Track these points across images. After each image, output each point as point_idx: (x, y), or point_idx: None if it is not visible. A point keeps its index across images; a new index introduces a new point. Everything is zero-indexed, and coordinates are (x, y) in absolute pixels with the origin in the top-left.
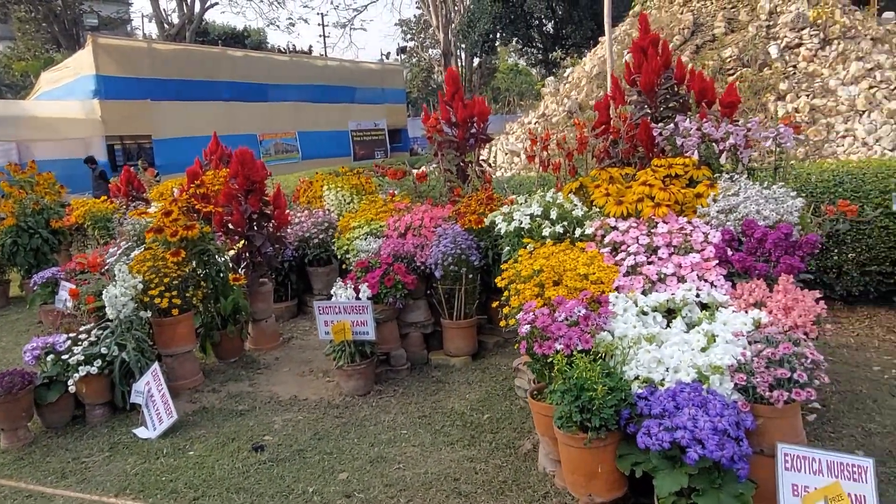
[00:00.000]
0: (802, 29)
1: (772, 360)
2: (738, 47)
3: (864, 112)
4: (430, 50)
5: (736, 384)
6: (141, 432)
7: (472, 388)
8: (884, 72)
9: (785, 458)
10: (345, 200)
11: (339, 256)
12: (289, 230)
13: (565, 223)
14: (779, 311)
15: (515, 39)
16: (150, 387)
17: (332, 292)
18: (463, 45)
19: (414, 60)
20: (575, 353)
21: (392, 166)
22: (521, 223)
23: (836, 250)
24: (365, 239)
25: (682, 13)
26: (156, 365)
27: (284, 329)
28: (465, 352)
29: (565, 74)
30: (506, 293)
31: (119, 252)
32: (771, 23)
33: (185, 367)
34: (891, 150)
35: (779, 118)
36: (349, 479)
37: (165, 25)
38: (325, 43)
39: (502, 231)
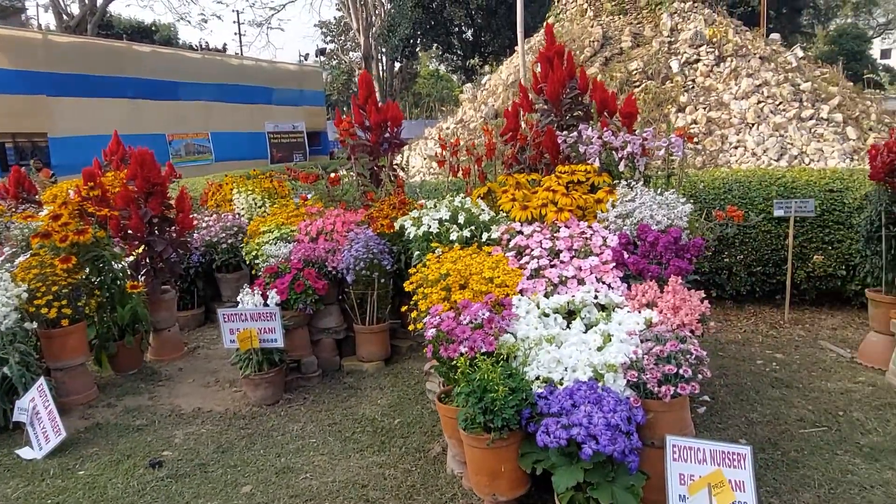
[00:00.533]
0: (700, 46)
1: (660, 357)
2: (644, 61)
3: (753, 125)
4: (351, 53)
5: (628, 381)
6: (25, 453)
7: (384, 394)
8: (770, 88)
9: (673, 449)
10: (256, 204)
11: (247, 262)
12: (195, 235)
13: (473, 228)
14: (668, 311)
15: (436, 45)
16: (36, 403)
17: (238, 299)
18: (384, 50)
19: (334, 63)
20: (478, 355)
21: (304, 170)
22: (430, 227)
23: (726, 252)
24: (275, 244)
25: (592, 26)
26: (42, 380)
27: (190, 338)
28: (377, 357)
29: (483, 81)
30: (415, 297)
31: (2, 259)
32: (672, 39)
33: (76, 381)
34: (776, 160)
35: (675, 129)
36: (253, 491)
37: (64, 16)
38: (240, 41)
39: (411, 235)
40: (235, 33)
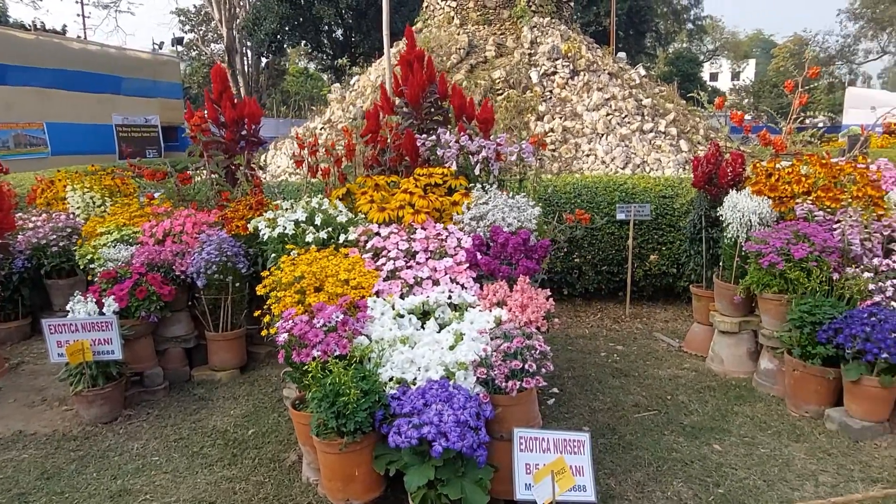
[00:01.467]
0: (557, 59)
1: (507, 353)
2: (506, 70)
3: (603, 135)
4: (213, 45)
5: (478, 378)
6: None
7: (238, 403)
8: (617, 102)
9: (520, 440)
10: (94, 203)
11: (82, 267)
12: (20, 237)
13: (330, 229)
14: (517, 309)
15: (304, 42)
16: None
17: (68, 307)
18: (249, 44)
19: (194, 54)
20: (331, 359)
21: (150, 166)
22: (286, 229)
23: (576, 253)
24: (114, 246)
25: (458, 34)
26: None
27: (13, 353)
28: (232, 365)
29: (352, 82)
30: (268, 301)
31: None
32: (532, 51)
33: None
34: (622, 168)
35: (530, 136)
36: None
37: None
38: (84, 24)
39: (265, 237)
40: (78, 14)
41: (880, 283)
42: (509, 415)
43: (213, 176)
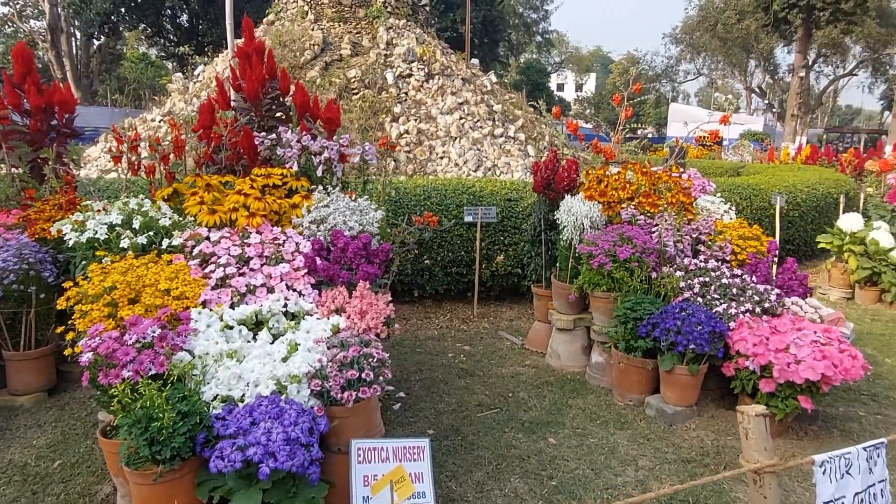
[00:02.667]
0: (412, 62)
1: (343, 363)
2: (362, 70)
3: (456, 138)
4: (34, 21)
5: (313, 390)
6: None
7: (43, 431)
8: (470, 106)
9: (358, 452)
10: None
11: None
12: None
13: (151, 233)
14: (356, 316)
15: (143, 26)
16: None
17: None
18: (76, 23)
19: (9, 30)
20: (143, 380)
21: None
22: (97, 233)
23: (426, 255)
24: None
25: (313, 30)
26: None
27: None
28: (37, 387)
29: (196, 73)
30: (74, 316)
31: None
32: (388, 52)
33: None
34: (475, 171)
35: (379, 138)
36: None
37: None
38: None
39: (71, 242)
40: None
41: (689, 281)
42: (347, 426)
43: (14, 171)
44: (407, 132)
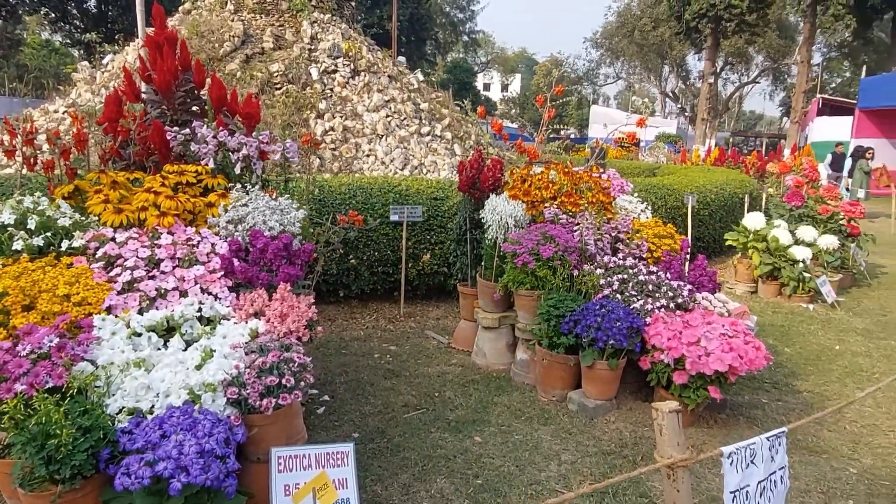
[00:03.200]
0: (338, 58)
1: (262, 369)
2: (285, 64)
3: (382, 136)
4: None
5: (229, 398)
6: None
7: None
8: (397, 104)
9: (278, 461)
10: None
11: None
12: None
13: (49, 234)
14: (276, 319)
15: (45, 10)
16: None
17: None
18: None
19: None
20: (38, 394)
21: None
22: None
23: (352, 255)
24: None
25: (233, 20)
26: None
27: None
28: None
29: (104, 62)
30: None
31: None
32: (313, 47)
33: None
34: (402, 170)
35: (302, 135)
36: None
37: None
38: None
39: None
40: None
41: (609, 279)
42: (267, 435)
43: None
44: (332, 129)
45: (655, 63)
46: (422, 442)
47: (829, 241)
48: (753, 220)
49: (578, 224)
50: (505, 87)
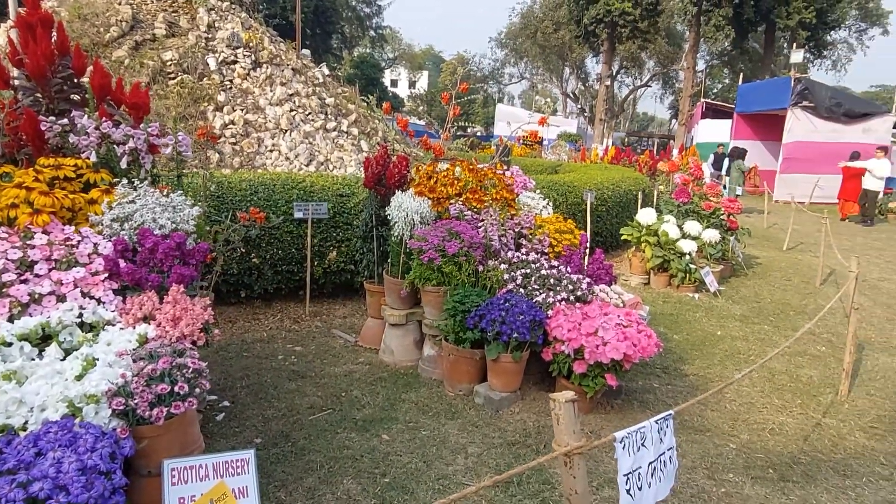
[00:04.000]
0: (238, 48)
1: (152, 376)
2: (180, 53)
3: (287, 131)
4: None
5: (115, 410)
6: None
7: None
8: (301, 98)
9: (172, 473)
10: None
11: None
12: None
13: None
14: (167, 323)
15: None
16: None
17: None
18: None
19: None
20: None
21: None
22: None
23: (254, 253)
24: None
25: (120, 4)
26: None
27: None
28: None
29: None
30: None
31: None
32: (210, 36)
33: None
34: (307, 166)
35: (198, 128)
36: None
37: None
38: None
39: None
40: None
41: (512, 273)
42: (158, 446)
43: None
44: (233, 123)
45: (557, 64)
46: (328, 443)
47: (712, 235)
48: (646, 216)
49: (483, 220)
50: (412, 84)
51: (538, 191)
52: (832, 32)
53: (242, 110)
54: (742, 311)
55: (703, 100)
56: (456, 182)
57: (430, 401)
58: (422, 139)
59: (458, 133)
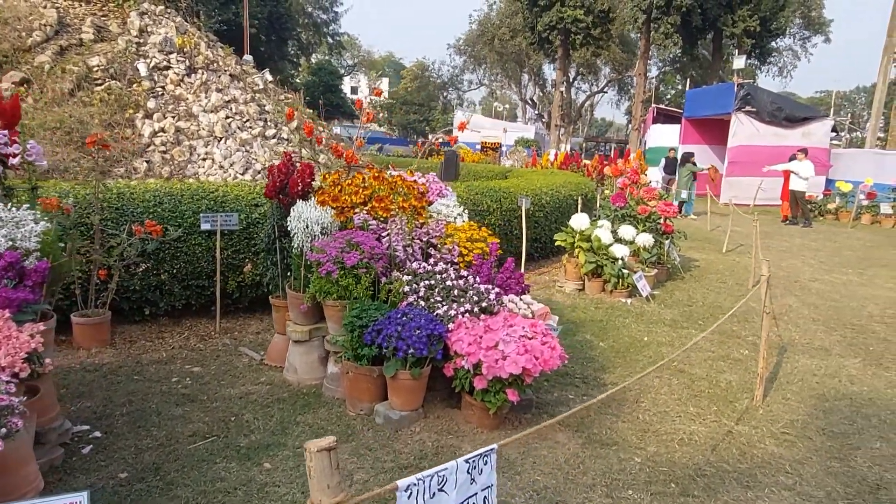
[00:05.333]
0: (171, 53)
1: None
2: (108, 58)
3: (221, 138)
4: None
5: None
6: None
7: None
8: (239, 105)
9: None
10: None
11: None
12: None
13: None
14: None
15: None
16: None
17: None
18: None
19: None
20: None
21: None
22: None
23: (161, 268)
24: None
25: (45, 7)
26: None
27: None
28: None
29: None
30: None
31: None
32: (141, 40)
33: None
34: (242, 174)
35: (134, 134)
36: None
37: None
38: None
39: None
40: None
41: (415, 285)
42: None
43: None
44: (163, 130)
45: (515, 71)
46: (201, 476)
47: (646, 239)
48: (579, 221)
49: (389, 230)
50: (371, 91)
51: (469, 198)
52: (776, 40)
53: (174, 117)
54: (672, 316)
55: (654, 105)
56: (361, 190)
57: (327, 423)
58: (332, 146)
59: (421, 140)
